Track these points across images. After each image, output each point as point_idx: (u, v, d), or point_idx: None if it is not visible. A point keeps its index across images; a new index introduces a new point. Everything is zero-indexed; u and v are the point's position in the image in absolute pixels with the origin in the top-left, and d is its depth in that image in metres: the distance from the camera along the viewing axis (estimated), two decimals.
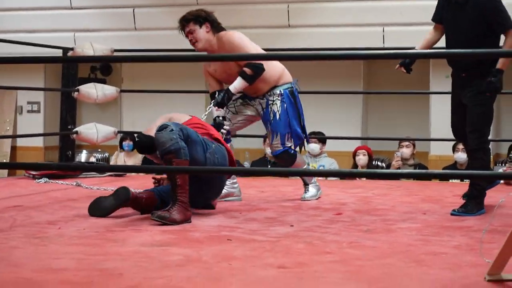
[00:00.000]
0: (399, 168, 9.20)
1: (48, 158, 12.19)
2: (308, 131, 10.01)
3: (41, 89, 11.98)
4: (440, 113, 9.55)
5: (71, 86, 8.07)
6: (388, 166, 9.54)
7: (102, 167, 5.27)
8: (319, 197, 6.25)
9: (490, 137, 7.66)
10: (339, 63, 10.45)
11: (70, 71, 8.29)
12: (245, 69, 5.68)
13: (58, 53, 8.25)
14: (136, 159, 10.68)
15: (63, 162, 8.34)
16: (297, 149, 6.06)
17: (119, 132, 8.05)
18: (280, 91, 5.87)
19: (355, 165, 9.46)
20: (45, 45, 8.33)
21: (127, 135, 10.43)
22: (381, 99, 11.63)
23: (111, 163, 10.70)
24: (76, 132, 7.73)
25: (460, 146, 8.70)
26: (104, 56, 6.93)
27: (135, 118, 12.04)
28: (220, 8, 10.62)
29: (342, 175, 6.35)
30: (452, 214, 5.27)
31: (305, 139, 6.10)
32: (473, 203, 5.34)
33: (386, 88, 11.28)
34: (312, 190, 6.24)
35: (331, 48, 9.54)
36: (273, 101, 5.87)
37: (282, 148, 5.93)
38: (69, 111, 8.32)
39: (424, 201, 6.07)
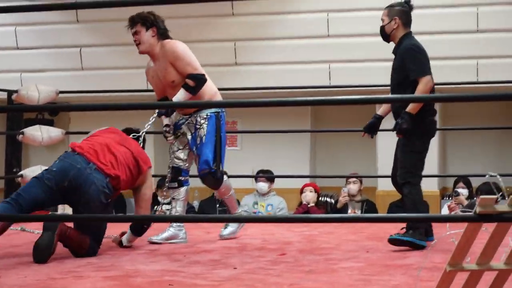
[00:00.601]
0: (346, 203, 9.27)
1: None
2: (256, 169, 10.17)
3: None
4: (386, 149, 9.58)
5: (16, 129, 8.03)
6: (336, 202, 9.59)
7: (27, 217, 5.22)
8: (238, 232, 6.34)
9: (436, 173, 7.82)
10: None
11: (15, 113, 8.26)
12: (188, 80, 5.81)
13: (3, 95, 8.22)
14: None
15: None
16: (223, 173, 6.13)
17: None
18: (207, 114, 5.96)
19: (301, 202, 9.49)
20: None
21: None
22: (328, 136, 11.70)
23: None
24: (21, 176, 7.66)
25: None
26: (46, 105, 6.79)
27: None
28: None
29: (279, 221, 6.33)
30: (389, 240, 5.48)
31: (214, 168, 5.98)
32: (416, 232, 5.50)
33: (334, 125, 11.35)
34: (231, 227, 6.32)
35: (278, 87, 9.61)
36: (201, 125, 5.96)
37: (208, 171, 5.95)
38: (14, 154, 8.27)
39: (368, 239, 6.12)
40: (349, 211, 9.32)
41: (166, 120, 6.05)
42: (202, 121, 5.95)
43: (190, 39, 10.58)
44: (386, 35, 5.85)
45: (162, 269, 4.72)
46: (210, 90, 6.07)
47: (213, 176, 5.99)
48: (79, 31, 11.23)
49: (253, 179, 9.87)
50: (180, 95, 5.81)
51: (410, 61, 5.62)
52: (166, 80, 5.93)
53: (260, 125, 10.78)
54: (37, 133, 7.62)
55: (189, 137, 6.03)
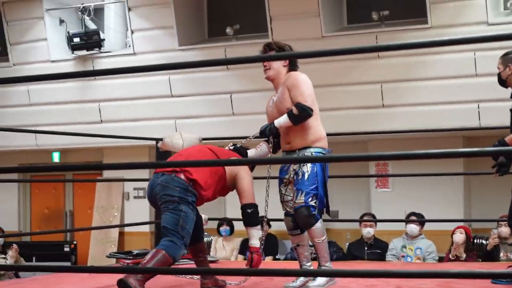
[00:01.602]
0: (496, 246, 9.01)
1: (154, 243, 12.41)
2: (408, 211, 10.03)
3: (137, 180, 11.95)
4: None
5: None
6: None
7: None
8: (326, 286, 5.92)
9: None
10: (438, 142, 10.24)
11: (164, 160, 8.51)
12: (293, 107, 5.77)
13: (153, 143, 8.53)
14: (233, 243, 10.77)
15: None
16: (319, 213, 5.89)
17: (211, 219, 8.09)
18: (312, 153, 5.86)
19: (452, 244, 9.30)
20: (138, 137, 8.73)
21: (223, 220, 10.57)
22: (483, 177, 11.36)
23: (211, 248, 10.75)
24: None
25: None
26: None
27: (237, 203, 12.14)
28: (314, 90, 10.78)
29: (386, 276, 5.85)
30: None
31: (309, 203, 5.80)
32: None
33: (487, 165, 11.02)
34: (320, 279, 5.89)
35: (426, 130, 9.47)
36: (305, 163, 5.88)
37: (303, 203, 5.79)
38: None
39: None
40: (501, 254, 9.05)
41: (264, 147, 6.09)
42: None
43: (336, 82, 10.73)
44: (503, 82, 6.23)
45: None
46: (318, 131, 5.96)
47: (306, 209, 5.79)
48: (229, 78, 11.51)
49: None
50: (282, 120, 5.81)
51: None
52: (281, 107, 5.89)
53: (412, 166, 10.62)
54: None
55: (294, 176, 5.94)
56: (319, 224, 5.83)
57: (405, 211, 10.58)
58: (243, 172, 5.87)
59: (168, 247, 5.42)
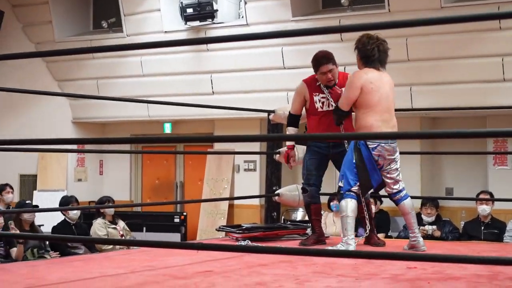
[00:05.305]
0: None
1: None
2: None
3: (248, 153, 11.97)
4: None
5: (275, 148, 8.11)
6: None
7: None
8: None
9: None
10: None
11: (275, 133, 8.37)
12: None
13: (264, 115, 8.40)
14: None
15: (268, 223, 8.40)
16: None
17: (321, 194, 7.87)
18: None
19: None
20: (249, 109, 8.58)
21: (334, 195, 10.33)
22: None
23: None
24: (278, 195, 7.73)
25: None
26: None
27: None
28: (430, 63, 10.44)
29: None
30: None
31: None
32: None
33: None
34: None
35: None
36: None
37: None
38: (273, 173, 8.39)
39: None
40: None
41: None
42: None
43: (455, 55, 10.34)
44: None
45: None
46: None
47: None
48: (343, 50, 11.21)
49: None
50: None
51: None
52: None
53: None
54: (292, 152, 7.62)
55: None
56: (342, 202, 6.48)
57: None
58: None
59: None
